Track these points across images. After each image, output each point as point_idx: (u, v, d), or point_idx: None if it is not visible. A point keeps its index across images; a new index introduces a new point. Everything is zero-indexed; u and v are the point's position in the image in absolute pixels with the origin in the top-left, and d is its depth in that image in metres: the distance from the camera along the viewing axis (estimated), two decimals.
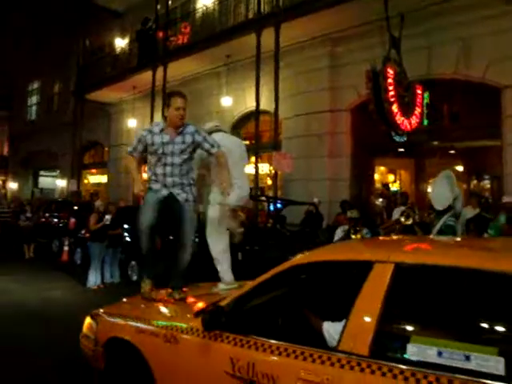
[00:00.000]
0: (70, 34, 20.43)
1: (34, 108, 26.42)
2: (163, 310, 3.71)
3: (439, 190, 5.70)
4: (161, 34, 14.51)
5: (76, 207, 13.91)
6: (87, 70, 18.46)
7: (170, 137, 4.06)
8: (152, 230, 4.13)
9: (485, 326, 2.18)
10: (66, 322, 5.20)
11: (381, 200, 12.21)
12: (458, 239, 3.45)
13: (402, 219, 5.36)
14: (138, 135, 4.21)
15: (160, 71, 13.97)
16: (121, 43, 17.91)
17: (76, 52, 19.48)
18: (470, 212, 7.63)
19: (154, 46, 14.64)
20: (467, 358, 1.97)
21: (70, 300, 7.94)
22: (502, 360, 1.90)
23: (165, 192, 4.12)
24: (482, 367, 1.93)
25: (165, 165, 4.08)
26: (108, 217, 9.23)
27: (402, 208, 7.50)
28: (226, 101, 13.62)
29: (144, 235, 4.13)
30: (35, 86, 26.18)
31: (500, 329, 2.12)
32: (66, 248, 12.00)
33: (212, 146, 4.18)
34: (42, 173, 26.35)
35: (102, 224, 9.12)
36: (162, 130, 4.08)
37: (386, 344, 2.26)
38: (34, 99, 26.45)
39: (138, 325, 3.40)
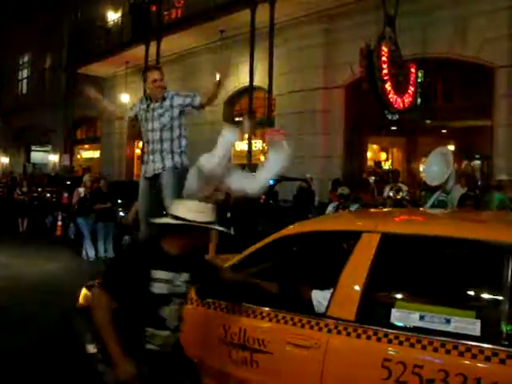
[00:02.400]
0: (60, 6, 20.01)
1: (24, 82, 26.02)
2: None
3: (434, 166, 5.78)
4: (154, 7, 14.29)
5: (69, 182, 13.89)
6: (79, 43, 18.17)
7: (149, 104, 4.11)
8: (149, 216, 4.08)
9: (464, 291, 2.30)
10: (63, 294, 5.27)
11: (373, 178, 12.31)
12: (441, 211, 3.55)
13: (391, 194, 5.46)
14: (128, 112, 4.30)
15: (153, 46, 13.81)
16: (113, 16, 17.60)
17: (67, 24, 19.14)
18: (458, 191, 7.75)
19: (147, 20, 14.43)
20: (447, 321, 2.09)
21: (66, 273, 8.01)
22: (478, 322, 2.02)
23: (149, 173, 4.12)
24: (460, 329, 2.05)
25: (146, 131, 4.11)
26: (81, 190, 9.26)
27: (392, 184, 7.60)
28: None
29: (143, 223, 4.14)
30: (26, 59, 25.74)
31: (478, 294, 2.24)
32: (59, 223, 12.04)
33: (193, 96, 4.11)
34: (33, 148, 26.15)
35: (77, 198, 9.19)
36: (146, 104, 4.14)
37: (372, 310, 2.38)
38: (24, 73, 26.04)
39: None
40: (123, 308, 2.40)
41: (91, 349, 3.07)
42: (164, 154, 4.04)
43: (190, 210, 2.42)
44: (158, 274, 2.37)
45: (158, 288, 2.36)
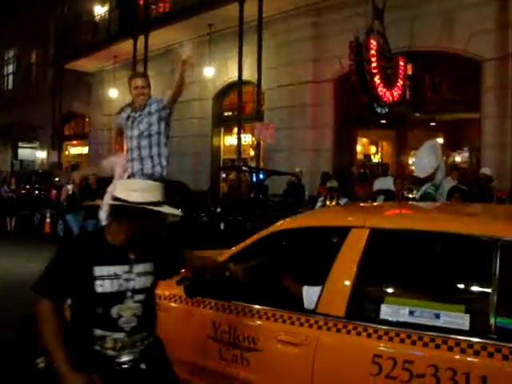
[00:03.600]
0: (46, 0, 19.72)
1: (10, 77, 25.68)
2: None
3: (423, 158, 5.82)
4: (141, 1, 14.14)
5: (57, 179, 13.76)
6: (66, 38, 17.95)
7: (130, 112, 4.08)
8: None
9: (453, 286, 2.30)
10: None
11: (362, 171, 12.34)
12: (430, 205, 3.56)
13: (405, 193, 5.49)
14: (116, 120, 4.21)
15: (141, 40, 13.68)
16: (100, 10, 17.39)
17: (54, 19, 18.89)
18: (449, 184, 7.80)
19: (134, 14, 14.28)
20: (437, 316, 2.09)
21: None
22: (467, 316, 2.02)
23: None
24: (450, 324, 2.05)
25: (126, 138, 4.10)
26: (69, 186, 9.21)
27: (382, 178, 7.63)
28: (209, 71, 13.46)
29: None
30: (11, 54, 25.39)
31: (467, 288, 2.25)
32: (47, 220, 11.93)
33: (161, 99, 4.08)
34: (21, 144, 25.85)
35: (66, 195, 9.15)
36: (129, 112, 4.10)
37: (361, 305, 2.38)
38: (10, 68, 25.69)
39: None
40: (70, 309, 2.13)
41: (40, 363, 2.82)
42: (144, 161, 3.99)
43: (127, 188, 2.04)
44: (102, 270, 2.04)
45: (104, 286, 2.03)
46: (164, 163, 4.00)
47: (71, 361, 1.94)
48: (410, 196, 5.52)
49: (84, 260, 2.04)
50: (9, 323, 5.05)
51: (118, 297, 2.06)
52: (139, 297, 2.11)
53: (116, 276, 2.05)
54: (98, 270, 2.03)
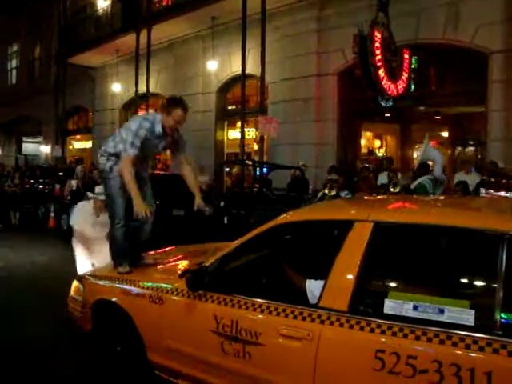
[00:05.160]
0: None
1: (14, 72, 25.66)
2: (148, 271, 3.76)
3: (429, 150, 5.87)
4: None
5: (61, 173, 13.77)
6: (68, 32, 17.89)
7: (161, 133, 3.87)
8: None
9: (458, 280, 2.27)
10: (55, 286, 5.27)
11: (366, 165, 12.28)
12: (434, 199, 3.52)
13: (391, 188, 5.44)
14: (139, 132, 3.71)
15: (144, 34, 13.62)
16: (103, 4, 17.31)
17: (56, 13, 18.82)
18: (461, 177, 7.82)
19: (137, 8, 14.20)
20: (441, 311, 2.06)
21: (58, 264, 7.98)
22: (472, 312, 1.99)
23: None
24: (454, 319, 2.02)
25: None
26: (73, 182, 9.22)
27: (385, 173, 7.60)
28: (212, 65, 13.39)
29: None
30: (15, 48, 25.36)
31: (472, 283, 2.21)
32: (52, 214, 11.95)
33: (185, 142, 4.07)
34: (25, 139, 25.86)
35: (69, 190, 9.16)
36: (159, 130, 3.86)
37: (365, 300, 2.35)
38: (13, 63, 25.67)
39: (124, 287, 3.45)
40: None
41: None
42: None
43: None
44: None
45: None
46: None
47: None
48: (392, 190, 5.48)
49: None
50: (9, 312, 5.16)
51: None
52: None
53: None
54: None
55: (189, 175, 4.03)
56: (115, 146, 3.85)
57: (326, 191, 5.55)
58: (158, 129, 3.77)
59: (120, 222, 3.89)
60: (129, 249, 3.91)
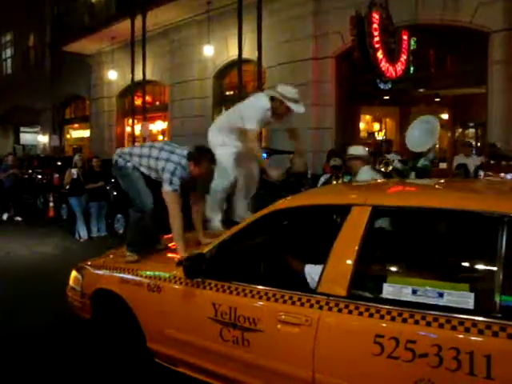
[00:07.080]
0: None
1: (9, 62, 25.42)
2: (146, 260, 3.74)
3: (418, 134, 5.76)
4: None
5: (59, 163, 13.70)
6: (62, 19, 17.67)
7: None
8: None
9: (457, 264, 2.24)
10: (56, 276, 5.26)
11: (366, 149, 12.19)
12: (432, 181, 3.47)
13: (382, 168, 5.36)
14: (176, 171, 3.80)
15: (139, 20, 13.44)
16: None
17: (50, 0, 18.57)
18: (461, 160, 7.78)
19: None
20: (440, 295, 2.03)
21: (58, 254, 7.99)
22: (472, 295, 1.97)
23: None
24: (453, 303, 2.00)
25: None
26: (74, 171, 9.17)
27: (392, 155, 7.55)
28: (208, 50, 13.24)
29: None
30: (8, 38, 25.08)
31: (471, 267, 2.19)
32: (51, 204, 11.92)
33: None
34: (22, 129, 25.74)
35: (69, 179, 9.12)
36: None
37: (363, 285, 2.32)
38: (8, 52, 25.41)
39: (123, 276, 3.44)
40: None
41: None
42: None
43: None
44: None
45: None
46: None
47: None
48: (383, 170, 5.37)
49: None
50: (8, 301, 5.17)
51: None
52: None
53: None
54: None
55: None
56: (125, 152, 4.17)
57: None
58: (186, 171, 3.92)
59: (147, 206, 3.93)
60: (142, 238, 3.99)
